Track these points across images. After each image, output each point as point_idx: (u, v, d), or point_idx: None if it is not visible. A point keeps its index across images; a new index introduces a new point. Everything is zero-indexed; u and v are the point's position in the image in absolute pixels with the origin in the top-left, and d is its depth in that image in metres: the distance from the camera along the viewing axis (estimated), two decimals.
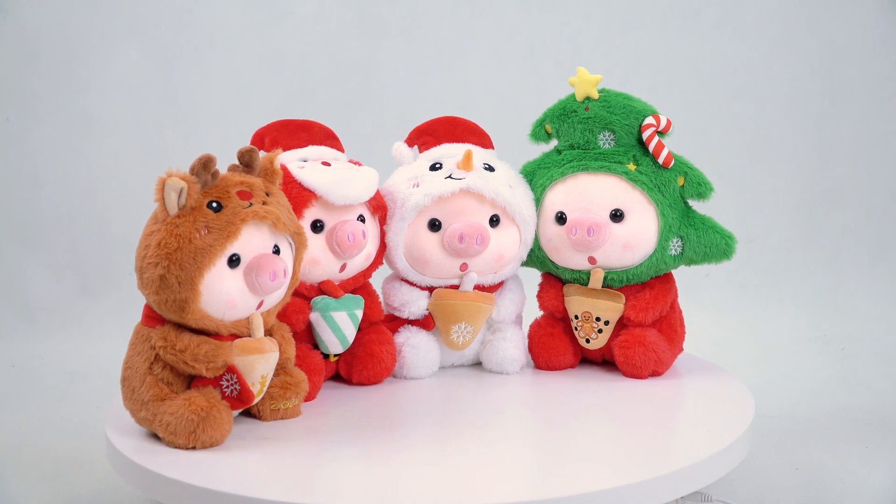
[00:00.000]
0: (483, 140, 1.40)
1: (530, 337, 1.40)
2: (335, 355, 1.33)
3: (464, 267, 1.33)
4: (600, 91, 1.33)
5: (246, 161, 1.16)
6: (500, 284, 1.39)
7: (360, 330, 1.33)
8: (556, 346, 1.37)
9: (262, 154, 1.21)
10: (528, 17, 2.23)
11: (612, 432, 1.17)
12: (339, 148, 1.37)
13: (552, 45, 2.22)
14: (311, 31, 2.21)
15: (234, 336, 1.13)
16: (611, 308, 1.33)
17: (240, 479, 1.02)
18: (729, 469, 1.11)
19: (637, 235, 1.30)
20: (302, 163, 1.30)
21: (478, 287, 1.36)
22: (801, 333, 1.99)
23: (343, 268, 1.30)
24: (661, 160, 1.30)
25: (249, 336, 1.14)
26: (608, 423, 1.20)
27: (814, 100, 2.21)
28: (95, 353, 1.92)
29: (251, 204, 1.11)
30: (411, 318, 1.36)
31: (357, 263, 1.32)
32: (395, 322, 1.38)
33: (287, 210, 1.17)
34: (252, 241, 1.11)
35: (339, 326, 1.30)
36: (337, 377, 1.36)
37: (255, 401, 1.16)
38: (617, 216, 1.30)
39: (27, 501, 1.32)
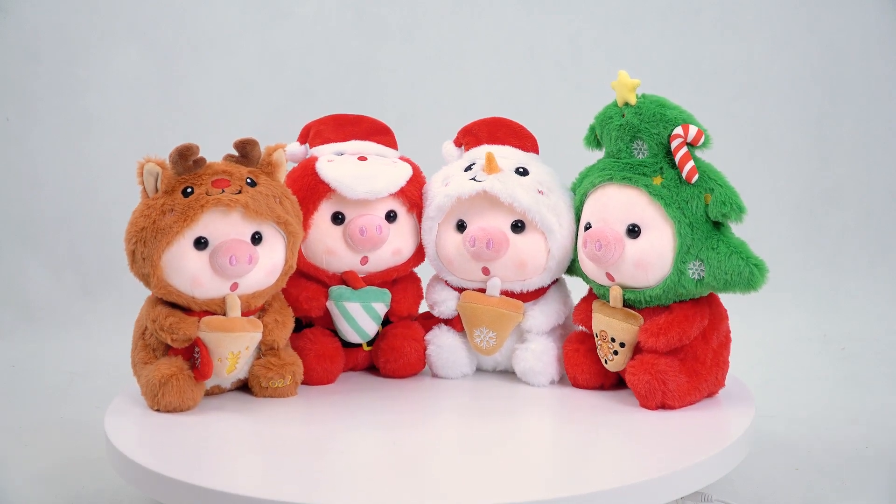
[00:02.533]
0: (524, 143, 1.37)
1: (562, 350, 1.32)
2: (367, 344, 1.36)
3: (486, 271, 1.31)
4: (640, 97, 1.24)
5: (241, 151, 1.24)
6: (538, 293, 1.33)
7: (390, 324, 1.36)
8: (580, 362, 1.29)
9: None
10: (528, 17, 2.23)
11: (612, 432, 1.17)
12: (390, 144, 1.38)
13: (552, 45, 2.22)
14: (311, 31, 2.21)
15: (207, 313, 1.22)
16: (625, 329, 1.23)
17: (240, 479, 1.02)
18: (729, 469, 1.11)
19: (649, 254, 1.20)
20: (335, 157, 1.33)
21: (506, 293, 1.32)
22: (801, 333, 1.99)
23: (365, 261, 1.32)
24: (684, 174, 1.20)
25: (223, 315, 1.22)
26: (608, 424, 1.20)
27: (814, 100, 2.21)
28: (95, 353, 1.92)
29: (223, 191, 1.20)
30: (442, 317, 1.36)
31: (382, 258, 1.33)
32: (431, 320, 1.38)
33: (274, 199, 1.23)
34: (219, 226, 1.20)
35: (352, 317, 1.33)
36: (373, 368, 1.39)
37: (231, 377, 1.26)
38: (634, 232, 1.21)
39: (27, 501, 1.31)
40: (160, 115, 2.18)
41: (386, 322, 1.38)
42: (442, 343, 1.35)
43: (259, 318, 1.26)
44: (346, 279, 1.33)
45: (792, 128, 2.21)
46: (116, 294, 2.09)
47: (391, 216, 1.33)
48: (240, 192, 1.21)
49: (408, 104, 2.16)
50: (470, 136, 1.38)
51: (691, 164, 1.20)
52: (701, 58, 2.21)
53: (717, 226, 1.22)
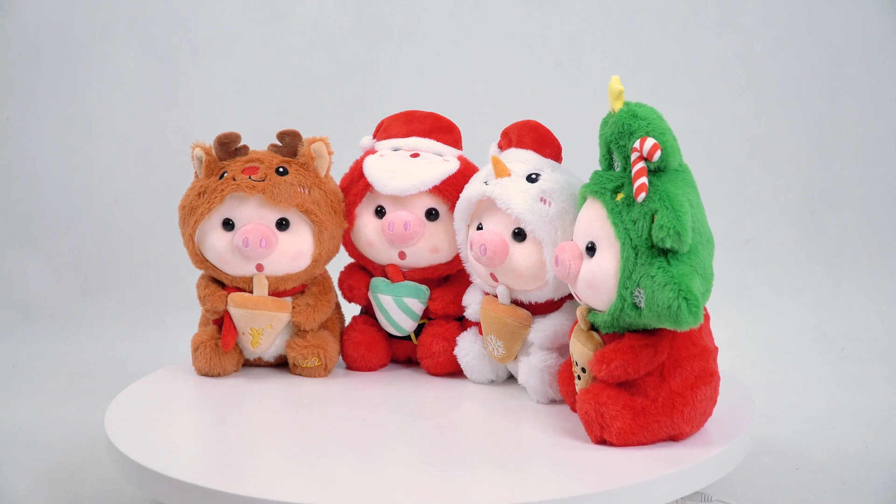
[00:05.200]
0: (545, 149, 1.31)
1: (557, 371, 1.25)
2: (415, 337, 1.40)
3: (493, 277, 1.28)
4: (624, 105, 1.13)
5: (280, 141, 1.34)
6: (550, 306, 1.28)
7: (431, 321, 1.38)
8: (563, 379, 1.21)
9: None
10: (528, 16, 2.23)
11: None
12: (452, 143, 1.39)
13: (552, 44, 2.22)
14: (311, 31, 2.21)
15: (237, 289, 1.35)
16: (583, 354, 1.14)
17: (240, 479, 1.02)
18: (729, 469, 1.11)
19: (597, 275, 1.09)
20: (390, 152, 1.37)
21: (516, 303, 1.29)
22: (801, 333, 1.99)
23: (402, 255, 1.35)
24: (634, 191, 1.08)
25: (251, 292, 1.34)
26: None
27: (814, 100, 2.21)
28: (95, 353, 1.92)
29: (250, 178, 1.29)
30: (470, 319, 1.35)
31: (419, 255, 1.35)
32: (467, 321, 1.38)
33: (300, 188, 1.31)
34: (243, 209, 1.31)
35: (385, 309, 1.38)
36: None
37: (262, 351, 1.37)
38: (590, 250, 1.11)
39: (27, 501, 1.31)
40: (160, 115, 2.18)
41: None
42: (465, 347, 1.34)
43: (295, 299, 1.36)
44: (387, 272, 1.37)
45: (792, 128, 2.21)
46: (116, 294, 2.09)
47: (432, 214, 1.34)
48: (264, 179, 1.29)
49: (408, 104, 2.15)
50: (504, 139, 1.36)
51: (641, 181, 1.07)
52: (701, 58, 2.21)
53: (666, 252, 1.06)
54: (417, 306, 1.37)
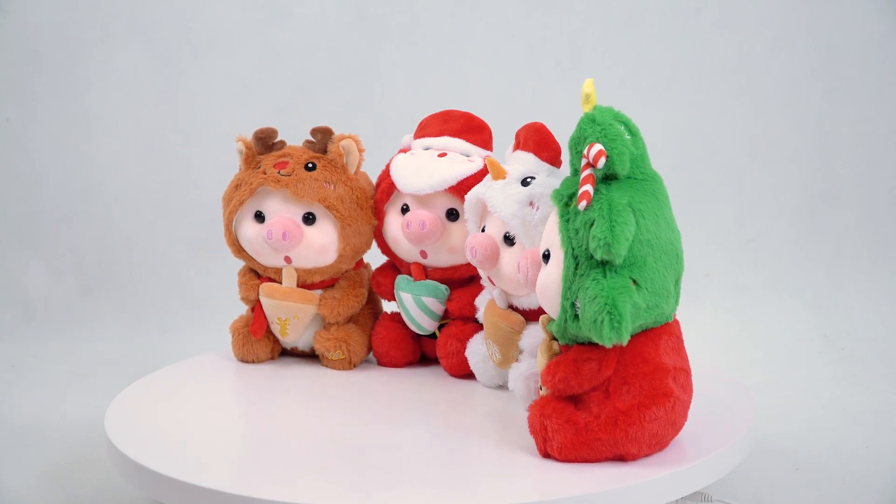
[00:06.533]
0: (543, 152, 1.29)
1: None
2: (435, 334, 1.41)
3: (491, 281, 1.28)
4: (595, 108, 1.08)
5: (313, 137, 1.38)
6: (544, 311, 1.25)
7: (451, 320, 1.38)
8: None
9: None
10: (528, 16, 2.23)
11: None
12: (480, 143, 1.39)
13: (552, 44, 2.22)
14: (311, 31, 2.21)
15: (269, 280, 1.40)
16: (539, 363, 1.13)
17: (240, 479, 1.02)
18: (729, 469, 1.11)
19: (546, 284, 1.06)
20: (421, 151, 1.37)
21: (514, 308, 1.27)
22: (801, 333, 1.99)
23: (424, 254, 1.36)
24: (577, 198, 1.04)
25: (280, 283, 1.39)
26: None
27: (814, 100, 2.21)
28: (95, 353, 1.92)
29: (279, 172, 1.35)
30: (479, 321, 1.34)
31: (439, 254, 1.36)
32: (481, 325, 1.37)
33: (326, 184, 1.34)
34: (271, 202, 1.36)
35: (406, 307, 1.39)
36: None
37: (295, 341, 1.42)
38: (545, 257, 1.08)
39: (27, 501, 1.31)
40: (160, 115, 2.18)
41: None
42: (473, 350, 1.34)
43: (324, 292, 1.40)
44: (411, 270, 1.38)
45: (792, 128, 2.21)
46: (116, 294, 2.09)
47: (452, 214, 1.34)
48: (291, 174, 1.34)
49: (408, 104, 2.16)
50: (515, 140, 1.36)
51: (584, 188, 1.02)
52: (701, 58, 2.21)
53: (605, 263, 1.01)
54: (436, 305, 1.37)
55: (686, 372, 1.09)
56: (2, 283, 2.08)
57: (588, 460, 1.05)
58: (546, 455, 1.06)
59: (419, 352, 1.44)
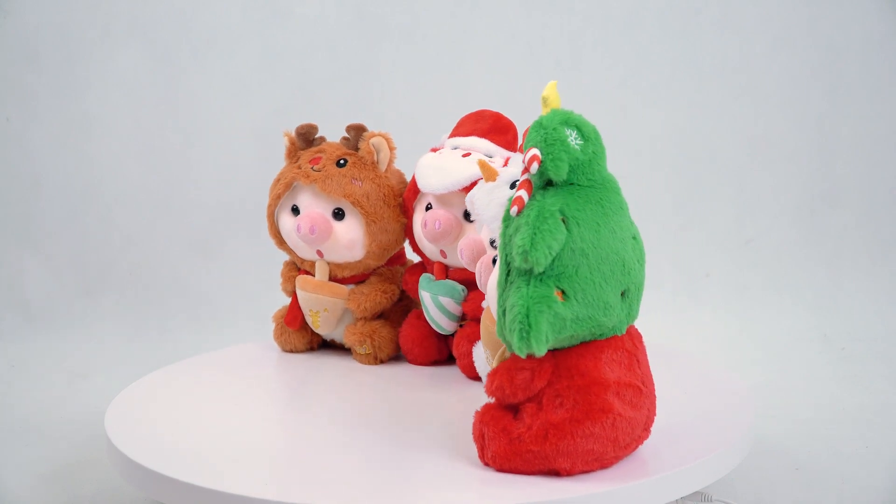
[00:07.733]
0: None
1: None
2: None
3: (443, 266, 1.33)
4: (551, 111, 1.04)
5: (349, 135, 1.40)
6: None
7: (469, 321, 1.38)
8: None
9: None
10: (528, 16, 2.23)
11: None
12: (504, 144, 1.39)
13: (552, 44, 2.22)
14: (311, 31, 2.21)
15: (306, 272, 1.44)
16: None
17: (241, 479, 1.02)
18: (729, 469, 1.11)
19: (489, 289, 1.06)
20: (449, 150, 1.38)
21: None
22: (801, 333, 1.99)
23: (443, 254, 1.37)
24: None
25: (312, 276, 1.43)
26: None
27: (814, 100, 2.21)
28: (95, 353, 1.92)
29: (312, 168, 1.37)
30: None
31: (455, 254, 1.35)
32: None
33: (353, 181, 1.36)
34: (303, 197, 1.39)
35: (425, 306, 1.39)
36: None
37: (329, 333, 1.46)
38: (494, 261, 1.08)
39: (27, 501, 1.32)
40: (160, 115, 2.18)
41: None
42: (477, 353, 1.32)
43: (354, 287, 1.42)
44: (434, 269, 1.39)
45: (792, 128, 2.21)
46: (116, 294, 2.09)
47: (469, 215, 1.34)
48: (321, 169, 1.37)
49: (407, 104, 2.16)
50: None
51: (517, 193, 0.99)
52: (701, 58, 2.21)
53: (530, 271, 0.97)
54: (453, 306, 1.37)
55: (635, 388, 1.03)
56: (2, 283, 2.08)
57: (522, 472, 1.02)
58: (486, 463, 1.04)
59: (446, 351, 1.43)
